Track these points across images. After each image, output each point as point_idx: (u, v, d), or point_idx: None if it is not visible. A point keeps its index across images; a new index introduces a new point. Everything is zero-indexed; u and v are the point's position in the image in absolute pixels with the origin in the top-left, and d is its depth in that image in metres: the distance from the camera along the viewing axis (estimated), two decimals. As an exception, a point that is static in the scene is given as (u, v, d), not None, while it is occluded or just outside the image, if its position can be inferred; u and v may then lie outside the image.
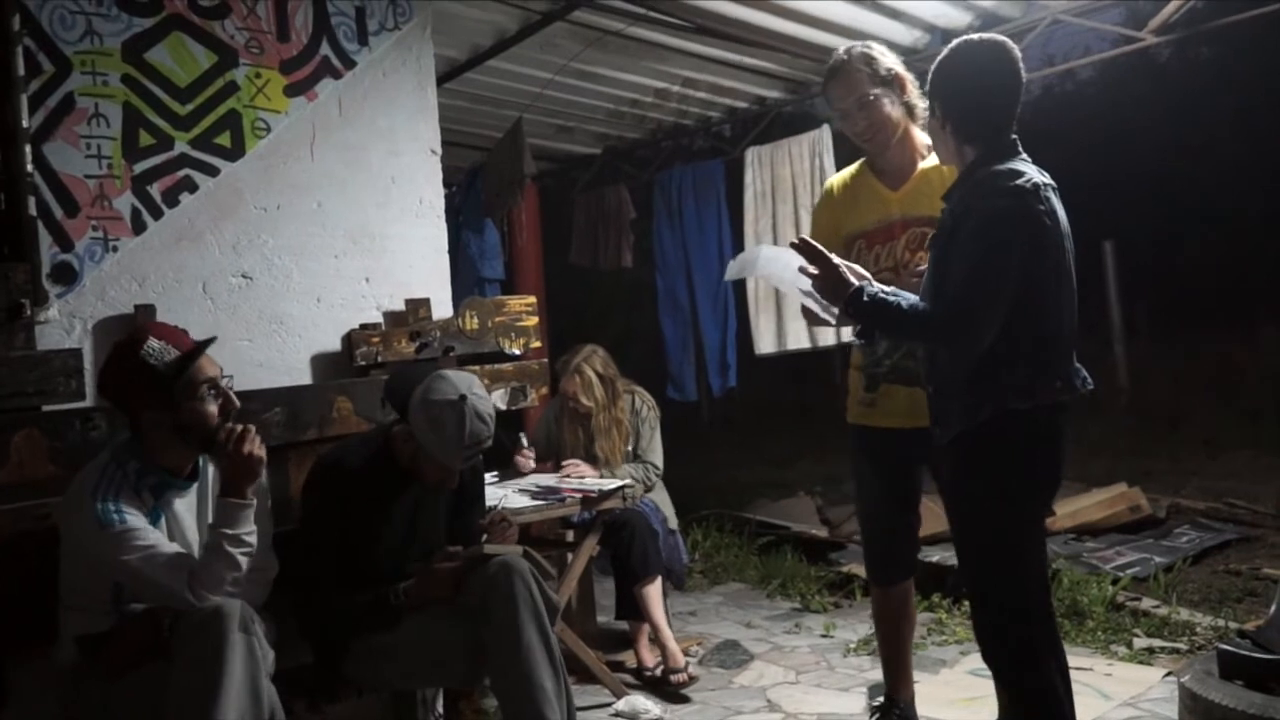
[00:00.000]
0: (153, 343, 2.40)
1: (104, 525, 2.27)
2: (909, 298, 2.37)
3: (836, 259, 2.42)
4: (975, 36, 2.45)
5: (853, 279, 2.37)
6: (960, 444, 2.38)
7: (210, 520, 2.45)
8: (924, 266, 2.66)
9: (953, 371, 2.38)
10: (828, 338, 5.71)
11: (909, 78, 2.92)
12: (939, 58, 2.46)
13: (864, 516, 3.19)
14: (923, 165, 2.93)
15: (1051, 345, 2.33)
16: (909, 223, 2.89)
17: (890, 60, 2.91)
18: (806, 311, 2.93)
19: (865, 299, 2.33)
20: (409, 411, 2.68)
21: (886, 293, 2.35)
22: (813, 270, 2.42)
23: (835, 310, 2.58)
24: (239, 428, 2.41)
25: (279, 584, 2.59)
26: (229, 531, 2.34)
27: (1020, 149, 2.39)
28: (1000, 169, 2.31)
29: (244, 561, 2.35)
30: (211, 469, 2.56)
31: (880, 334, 2.58)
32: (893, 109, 2.88)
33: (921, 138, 2.94)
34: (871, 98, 2.85)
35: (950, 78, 2.42)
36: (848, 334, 3.40)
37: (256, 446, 2.40)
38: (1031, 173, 2.31)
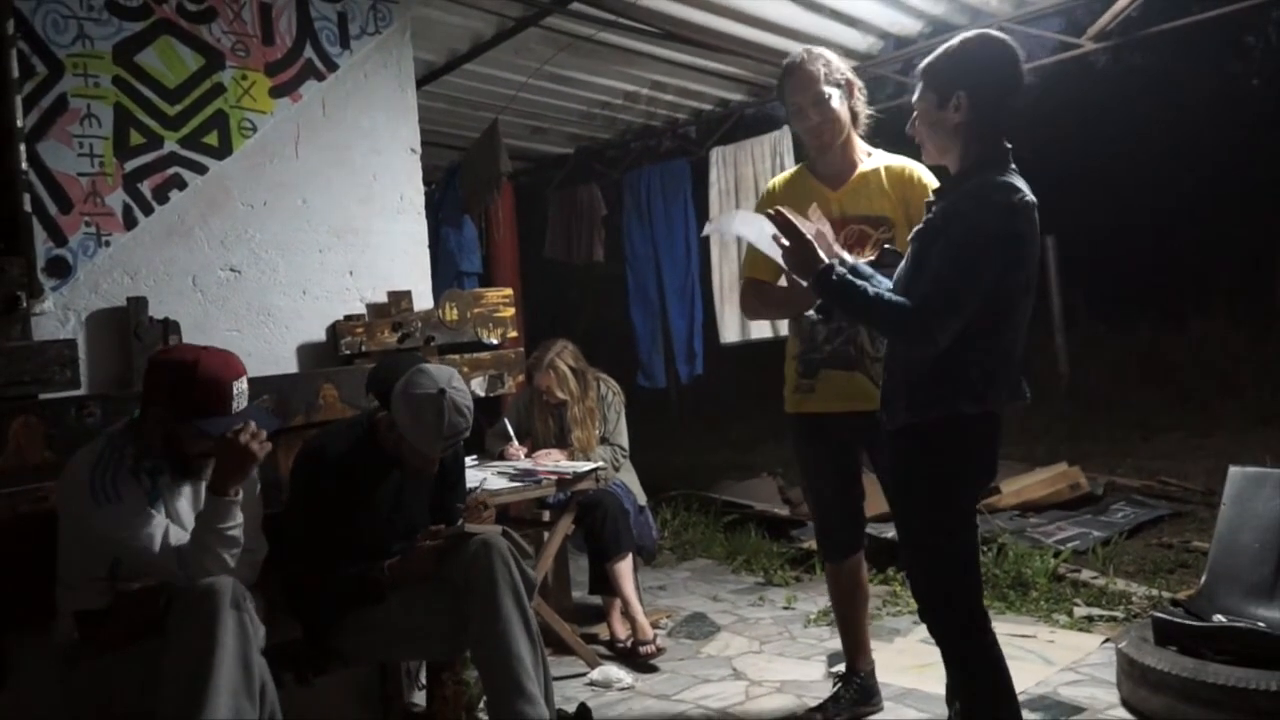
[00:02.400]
0: (243, 382, 2.39)
1: (100, 504, 2.25)
2: (877, 286, 2.30)
3: (809, 233, 2.33)
4: (993, 33, 2.30)
5: (824, 256, 2.30)
6: (905, 435, 2.33)
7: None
8: (866, 257, 2.63)
9: (909, 363, 2.32)
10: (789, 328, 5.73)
11: (858, 84, 2.94)
12: (960, 47, 2.27)
13: (813, 499, 3.22)
14: (861, 168, 2.95)
15: (1007, 357, 2.28)
16: (848, 220, 2.89)
17: (842, 65, 2.93)
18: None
19: (834, 278, 2.24)
20: (391, 403, 2.67)
21: (855, 277, 2.27)
22: (784, 242, 2.34)
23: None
24: (249, 423, 2.39)
25: (269, 563, 2.58)
26: (217, 526, 2.32)
27: (1012, 159, 2.27)
28: (1001, 180, 2.19)
29: (229, 556, 2.34)
30: None
31: (840, 315, 2.51)
32: (842, 109, 2.90)
33: (860, 143, 2.97)
34: (826, 95, 2.87)
35: (981, 70, 2.24)
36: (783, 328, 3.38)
37: (258, 443, 2.37)
38: (1025, 190, 2.20)
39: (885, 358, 2.48)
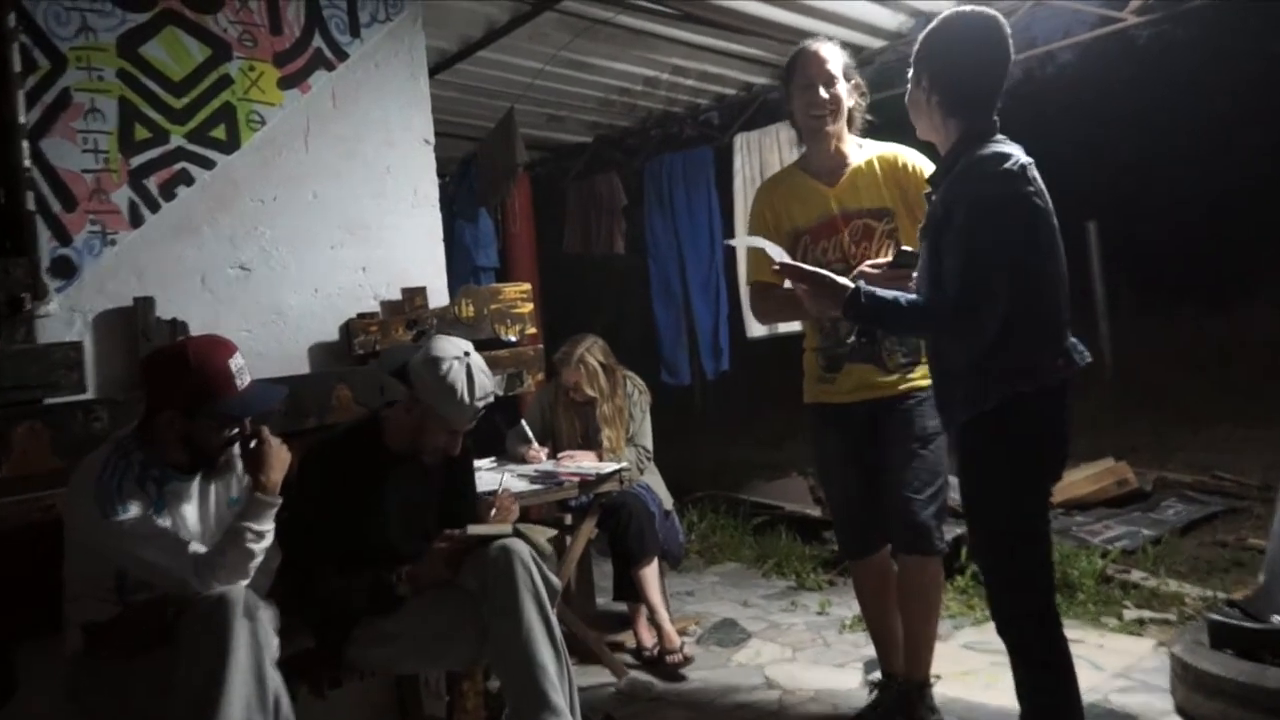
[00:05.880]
0: (239, 358, 2.44)
1: (107, 514, 2.26)
2: (904, 294, 2.36)
3: (821, 271, 2.42)
4: (966, 8, 2.39)
5: (846, 282, 2.34)
6: (968, 432, 2.34)
7: (229, 511, 2.47)
8: (881, 260, 2.73)
9: (955, 357, 2.35)
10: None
11: (863, 88, 3.08)
12: (929, 27, 2.41)
13: (831, 492, 3.27)
14: (854, 162, 3.05)
15: (1049, 324, 2.29)
16: (849, 216, 3.00)
17: (854, 66, 3.09)
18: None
19: (864, 300, 2.30)
20: (411, 375, 2.68)
21: (882, 291, 2.33)
22: (802, 288, 2.42)
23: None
24: (260, 428, 2.47)
25: (281, 571, 2.58)
26: (255, 527, 2.36)
27: (999, 129, 2.35)
28: (986, 153, 2.27)
29: (259, 558, 2.37)
30: (240, 466, 2.57)
31: (884, 331, 2.55)
32: (847, 101, 3.01)
33: (852, 137, 3.08)
34: (837, 77, 2.98)
35: (942, 47, 2.37)
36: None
37: (283, 449, 2.46)
38: (1017, 153, 2.27)
39: (930, 360, 2.53)
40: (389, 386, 2.96)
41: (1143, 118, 12.13)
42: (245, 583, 2.33)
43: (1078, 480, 5.39)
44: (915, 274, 2.55)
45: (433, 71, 4.13)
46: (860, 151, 3.06)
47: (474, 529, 2.71)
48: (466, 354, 2.68)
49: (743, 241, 3.23)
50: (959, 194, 2.26)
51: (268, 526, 2.38)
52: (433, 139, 3.55)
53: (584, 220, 7.33)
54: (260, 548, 2.36)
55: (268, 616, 2.28)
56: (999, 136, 2.33)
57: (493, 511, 2.90)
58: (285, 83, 3.22)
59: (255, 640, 2.20)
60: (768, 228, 3.09)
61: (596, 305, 10.92)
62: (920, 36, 2.43)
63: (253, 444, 2.49)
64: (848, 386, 3.01)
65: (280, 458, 2.45)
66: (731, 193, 6.20)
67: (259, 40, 3.17)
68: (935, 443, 2.93)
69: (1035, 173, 2.28)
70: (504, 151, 5.48)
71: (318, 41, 3.28)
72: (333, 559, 2.64)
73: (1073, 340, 2.34)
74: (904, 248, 2.66)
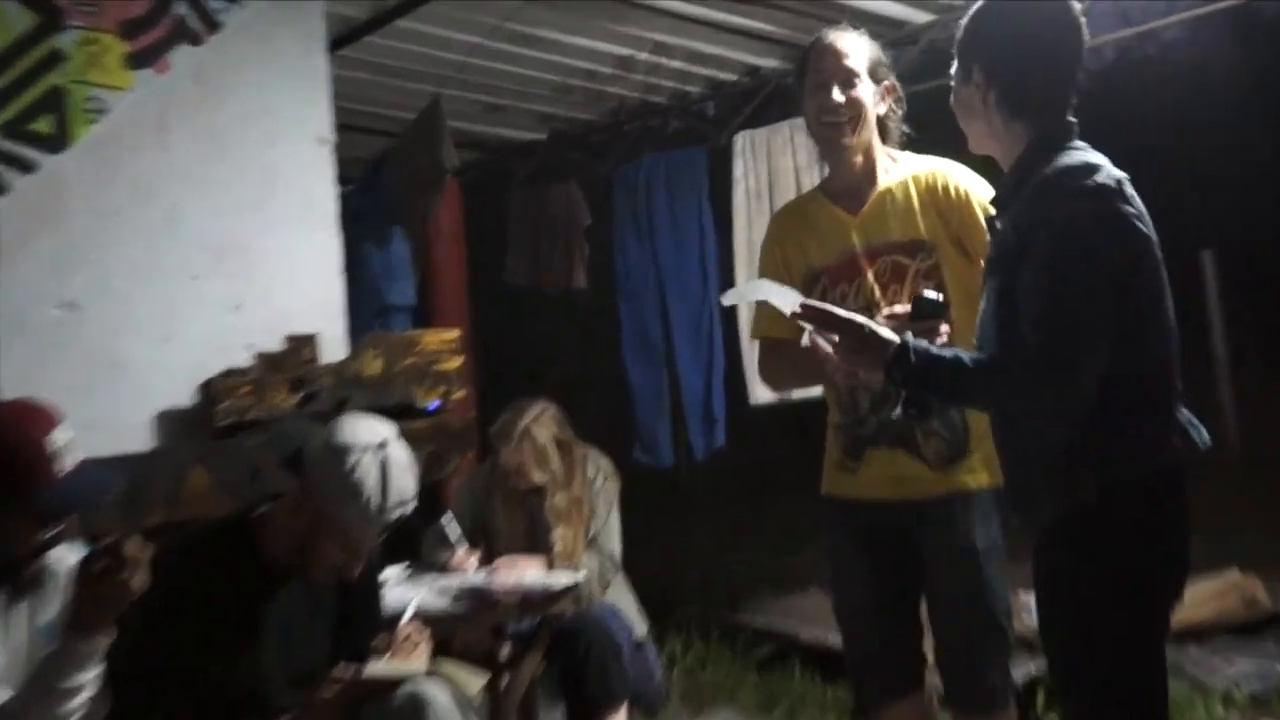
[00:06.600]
0: (64, 432, 2.40)
1: None
2: (964, 352, 2.34)
3: (858, 317, 2.37)
4: None
5: (890, 334, 2.31)
6: (1056, 536, 2.31)
7: (41, 643, 2.41)
8: (899, 308, 2.72)
9: (1039, 436, 2.32)
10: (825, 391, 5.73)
11: (898, 93, 3.12)
12: (976, 7, 2.44)
13: (844, 616, 3.23)
14: (883, 182, 3.09)
15: (1162, 385, 2.29)
16: (875, 252, 3.02)
17: (886, 64, 3.13)
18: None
19: (914, 359, 2.26)
20: (306, 465, 2.68)
21: (938, 348, 2.32)
22: (831, 339, 2.40)
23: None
24: (128, 543, 2.31)
25: (112, 721, 2.55)
26: (72, 683, 2.27)
27: (1077, 133, 2.38)
28: (1069, 164, 2.28)
29: (78, 714, 2.30)
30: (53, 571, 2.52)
31: (939, 402, 2.55)
32: (872, 108, 3.04)
33: (884, 151, 3.12)
34: (859, 75, 3.02)
35: (997, 33, 2.39)
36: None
37: (137, 578, 2.30)
38: (1107, 164, 2.28)
39: (999, 441, 2.49)
40: (268, 474, 2.94)
41: (1271, 116, 12.35)
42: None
43: (1191, 599, 5.40)
44: (946, 326, 2.56)
45: (334, 46, 4.16)
46: (894, 168, 3.09)
47: (374, 668, 2.69)
48: (383, 445, 2.67)
49: (747, 293, 3.25)
50: (1042, 216, 2.26)
51: (92, 675, 2.30)
52: (332, 136, 3.58)
53: (532, 243, 7.36)
54: (79, 703, 2.29)
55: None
56: (1078, 143, 2.36)
57: (388, 655, 2.87)
58: (135, 60, 3.25)
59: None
60: (777, 267, 3.13)
61: (548, 359, 10.93)
62: (965, 20, 2.45)
63: (101, 561, 2.29)
64: (869, 478, 3.01)
65: (134, 588, 2.28)
66: (730, 208, 6.25)
67: (101, 5, 3.20)
68: (992, 565, 2.91)
69: (1132, 190, 2.28)
70: (427, 152, 5.52)
71: (181, 7, 3.32)
72: (184, 708, 2.60)
73: (1185, 414, 2.34)
74: (924, 293, 2.65)
